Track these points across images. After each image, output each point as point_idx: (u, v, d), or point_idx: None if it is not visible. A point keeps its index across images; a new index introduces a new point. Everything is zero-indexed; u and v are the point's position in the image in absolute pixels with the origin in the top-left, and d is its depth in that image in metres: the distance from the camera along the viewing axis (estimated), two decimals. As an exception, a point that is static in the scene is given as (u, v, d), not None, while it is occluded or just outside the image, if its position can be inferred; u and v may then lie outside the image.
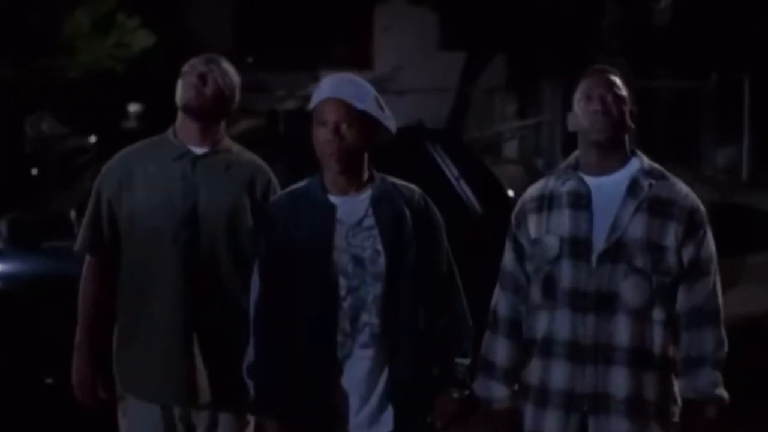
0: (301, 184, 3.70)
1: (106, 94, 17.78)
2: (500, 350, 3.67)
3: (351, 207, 3.58)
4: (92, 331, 4.02)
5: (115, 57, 15.80)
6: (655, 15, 18.36)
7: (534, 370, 3.59)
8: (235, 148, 4.08)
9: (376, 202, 3.59)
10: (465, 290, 3.74)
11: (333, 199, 3.60)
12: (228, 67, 4.06)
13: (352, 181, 3.60)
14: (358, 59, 20.85)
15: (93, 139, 16.97)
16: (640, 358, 3.49)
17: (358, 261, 3.54)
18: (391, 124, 3.65)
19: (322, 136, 3.55)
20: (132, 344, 3.98)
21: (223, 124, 4.06)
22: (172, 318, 3.90)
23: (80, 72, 15.58)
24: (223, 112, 4.02)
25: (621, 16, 18.06)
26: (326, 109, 3.56)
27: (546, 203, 3.63)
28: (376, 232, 3.55)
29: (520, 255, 3.65)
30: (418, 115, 14.13)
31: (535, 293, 3.61)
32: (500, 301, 3.69)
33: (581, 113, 3.57)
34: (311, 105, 3.63)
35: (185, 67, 4.01)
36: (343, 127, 3.54)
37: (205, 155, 3.99)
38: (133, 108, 20.47)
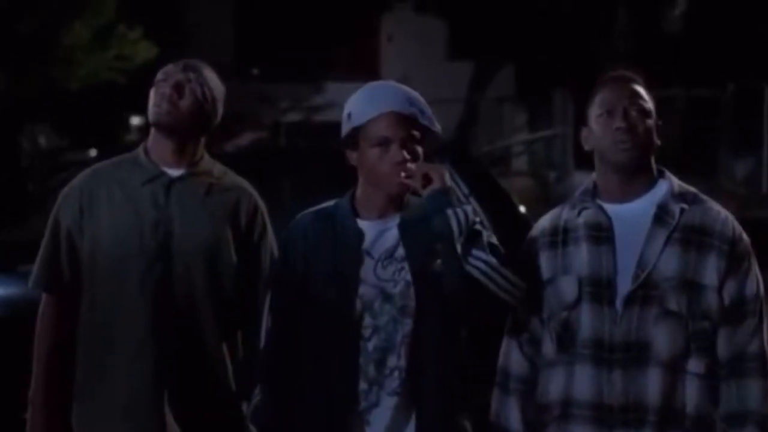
0: (330, 204, 3.17)
1: (107, 106, 17.51)
2: (514, 414, 3.14)
3: (382, 234, 3.08)
4: (49, 380, 3.51)
5: (116, 69, 15.53)
6: (666, 22, 18.09)
7: None
8: (216, 169, 3.53)
9: (406, 227, 3.07)
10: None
11: (363, 224, 3.08)
12: (210, 74, 3.51)
13: (391, 205, 3.10)
14: (363, 68, 20.55)
15: (93, 152, 16.65)
16: (669, 419, 2.95)
17: (387, 296, 3.03)
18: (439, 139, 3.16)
19: (381, 159, 3.03)
20: (93, 398, 3.47)
21: (203, 141, 3.53)
22: (139, 371, 3.39)
23: (80, 84, 15.32)
24: (202, 128, 3.49)
25: (632, 23, 17.81)
26: (388, 127, 3.04)
27: (560, 237, 3.10)
28: (407, 262, 3.04)
29: (531, 299, 3.11)
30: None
31: (549, 346, 3.07)
32: (511, 355, 3.14)
33: (601, 130, 3.04)
34: (359, 120, 3.08)
35: (159, 75, 3.47)
36: (411, 144, 3.03)
37: (180, 178, 3.45)
38: (135, 121, 20.14)
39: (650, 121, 3.05)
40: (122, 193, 3.44)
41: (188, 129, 3.46)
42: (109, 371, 3.43)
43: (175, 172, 3.46)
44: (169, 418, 3.40)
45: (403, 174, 3.02)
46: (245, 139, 17.03)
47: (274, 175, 4.81)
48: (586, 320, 3.00)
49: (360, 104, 3.11)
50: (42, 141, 16.55)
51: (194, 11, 21.24)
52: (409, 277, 3.03)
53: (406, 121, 3.06)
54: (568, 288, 3.04)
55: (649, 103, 3.06)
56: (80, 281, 3.48)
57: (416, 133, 3.07)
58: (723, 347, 2.98)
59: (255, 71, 21.58)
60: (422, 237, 3.05)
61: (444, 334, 3.04)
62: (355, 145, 3.10)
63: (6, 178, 14.77)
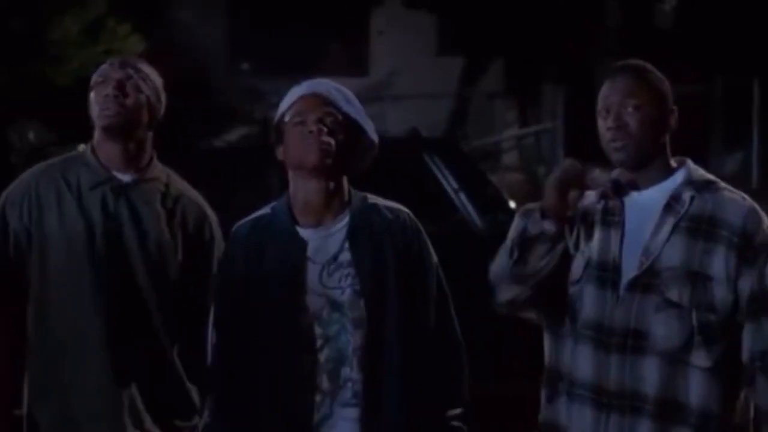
0: (265, 211, 3.12)
1: (96, 101, 17.43)
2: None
3: (325, 241, 3.03)
4: (3, 392, 3.45)
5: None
6: (657, 17, 18.08)
7: (560, 411, 3.05)
8: (164, 176, 3.49)
9: (353, 233, 3.03)
10: (464, 313, 3.27)
11: (303, 232, 3.04)
12: (147, 68, 3.48)
13: (329, 205, 3.05)
14: (353, 64, 20.50)
15: (81, 147, 16.57)
16: (669, 411, 2.92)
17: (334, 305, 2.99)
18: (375, 140, 3.13)
19: (300, 134, 3.00)
20: (49, 407, 3.40)
21: (150, 139, 3.47)
22: (97, 380, 3.36)
23: (69, 79, 15.25)
24: (149, 124, 3.45)
25: (623, 18, 17.78)
26: (307, 106, 3.03)
27: (579, 216, 3.09)
28: (353, 269, 3.00)
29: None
30: (415, 123, 13.81)
31: (551, 312, 3.07)
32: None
33: (600, 129, 3.04)
34: (282, 109, 3.07)
35: (96, 77, 3.42)
36: (329, 121, 3.01)
37: (131, 185, 3.40)
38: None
39: (646, 116, 2.99)
40: (72, 197, 3.36)
41: (137, 127, 3.40)
42: (66, 381, 3.37)
43: (125, 177, 3.40)
44: (129, 426, 3.36)
45: (318, 146, 2.98)
46: (234, 134, 16.98)
47: (263, 170, 4.81)
48: (589, 301, 2.99)
49: (285, 98, 3.10)
50: (31, 136, 16.46)
51: (184, 5, 21.16)
52: (357, 285, 2.99)
53: (325, 101, 3.03)
54: (576, 266, 3.03)
55: (651, 95, 3.00)
56: (27, 287, 3.39)
57: (336, 113, 3.02)
58: (750, 341, 2.91)
59: (245, 66, 21.51)
60: (370, 244, 3.02)
61: (398, 344, 3.00)
62: (281, 136, 3.07)
63: (-5, 174, 14.71)
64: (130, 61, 3.46)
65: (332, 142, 3.00)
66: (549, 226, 2.94)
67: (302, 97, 3.06)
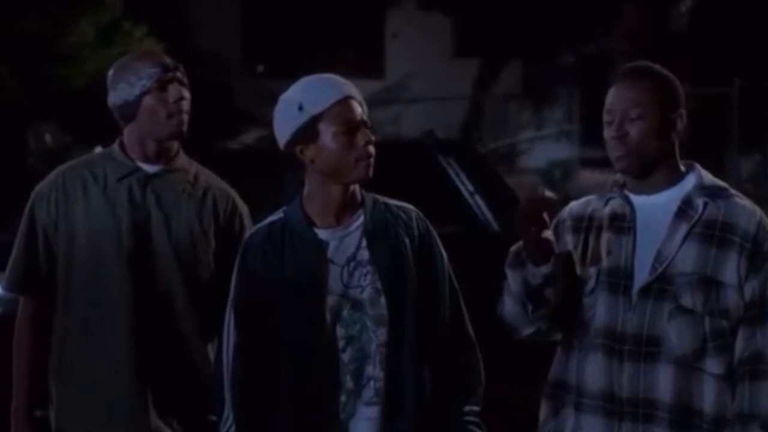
0: (278, 215, 3.08)
1: (112, 103, 17.46)
2: (518, 281, 3.02)
3: (342, 241, 3.01)
4: (32, 390, 3.41)
5: (121, 66, 15.47)
6: (673, 19, 18.05)
7: (567, 423, 3.03)
8: (194, 167, 3.45)
9: (370, 232, 3.01)
10: (479, 315, 3.26)
11: (321, 233, 3.01)
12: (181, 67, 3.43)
13: (347, 205, 3.03)
14: (369, 67, 20.50)
15: (98, 149, 16.59)
16: (685, 418, 2.90)
17: (355, 304, 2.97)
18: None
19: (354, 142, 2.96)
20: (74, 403, 3.39)
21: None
22: (122, 375, 3.32)
23: (85, 82, 15.29)
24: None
25: (639, 20, 17.77)
26: (347, 112, 2.98)
27: (584, 224, 3.05)
28: (372, 267, 2.98)
29: None
30: (431, 125, 13.80)
31: (566, 326, 3.05)
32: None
33: (605, 137, 2.99)
34: (317, 108, 2.98)
35: (149, 82, 3.31)
36: (367, 126, 3.01)
37: (157, 175, 3.36)
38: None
39: (647, 124, 2.95)
40: (98, 190, 3.34)
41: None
42: (90, 376, 3.35)
43: (151, 169, 3.36)
44: (155, 421, 3.34)
45: (368, 162, 2.97)
46: (250, 136, 17.00)
47: (279, 172, 4.82)
48: (601, 309, 2.96)
49: (313, 93, 3.00)
50: (48, 139, 16.51)
51: (200, 8, 21.19)
52: (377, 283, 2.97)
53: (358, 105, 3.01)
54: (586, 278, 2.99)
55: (655, 101, 2.96)
56: (56, 282, 3.38)
57: (366, 116, 3.02)
58: (741, 347, 2.92)
59: (261, 68, 21.54)
60: (386, 242, 3.00)
61: (417, 340, 2.98)
62: (312, 137, 3.01)
63: (12, 176, 14.76)
64: (174, 64, 3.38)
65: (373, 152, 3.00)
66: (547, 270, 2.92)
67: (340, 102, 2.99)
